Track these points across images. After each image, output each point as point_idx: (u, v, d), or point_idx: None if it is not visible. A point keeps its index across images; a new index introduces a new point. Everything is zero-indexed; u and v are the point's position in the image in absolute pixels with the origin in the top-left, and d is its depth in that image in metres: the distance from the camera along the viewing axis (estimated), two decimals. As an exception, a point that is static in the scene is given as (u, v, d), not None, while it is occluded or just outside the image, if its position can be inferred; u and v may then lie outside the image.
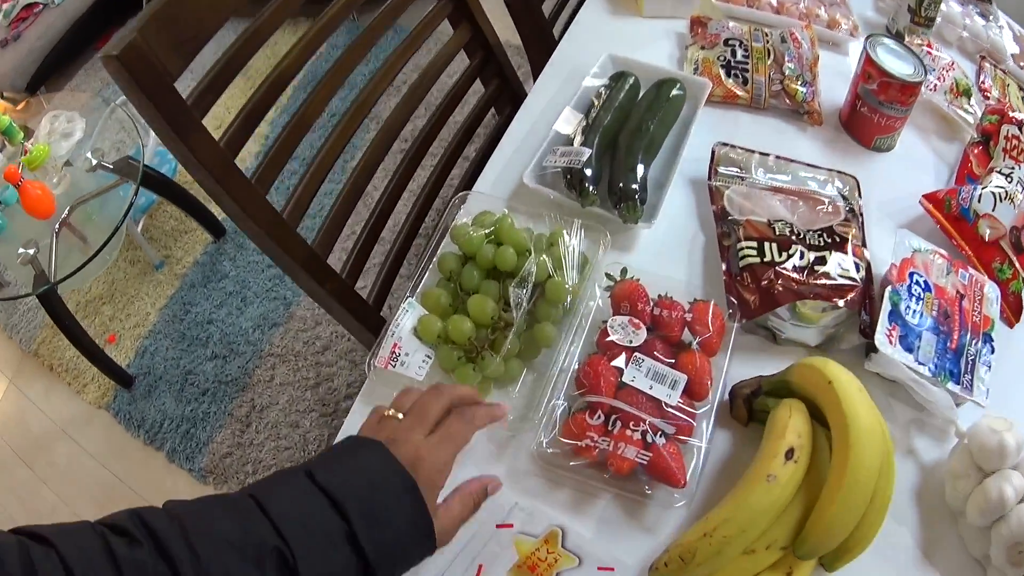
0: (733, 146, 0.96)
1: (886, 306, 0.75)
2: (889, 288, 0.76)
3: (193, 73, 0.79)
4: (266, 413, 1.89)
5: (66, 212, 1.75)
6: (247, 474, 1.80)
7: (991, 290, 0.82)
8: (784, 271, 0.79)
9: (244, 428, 1.87)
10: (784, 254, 0.80)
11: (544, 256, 0.81)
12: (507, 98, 1.32)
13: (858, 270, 0.80)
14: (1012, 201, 0.84)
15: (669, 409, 0.70)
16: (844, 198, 0.89)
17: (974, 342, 0.76)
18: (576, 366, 0.75)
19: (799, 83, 1.03)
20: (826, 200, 0.87)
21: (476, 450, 0.73)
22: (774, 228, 0.83)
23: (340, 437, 0.64)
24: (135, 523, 0.48)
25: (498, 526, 0.69)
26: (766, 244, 0.82)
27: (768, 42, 1.08)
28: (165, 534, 0.48)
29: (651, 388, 0.71)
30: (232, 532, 0.49)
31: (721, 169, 0.94)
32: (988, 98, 1.05)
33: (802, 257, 0.80)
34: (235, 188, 0.81)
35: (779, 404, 0.69)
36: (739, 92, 1.04)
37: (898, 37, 1.10)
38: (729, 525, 0.60)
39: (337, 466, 0.55)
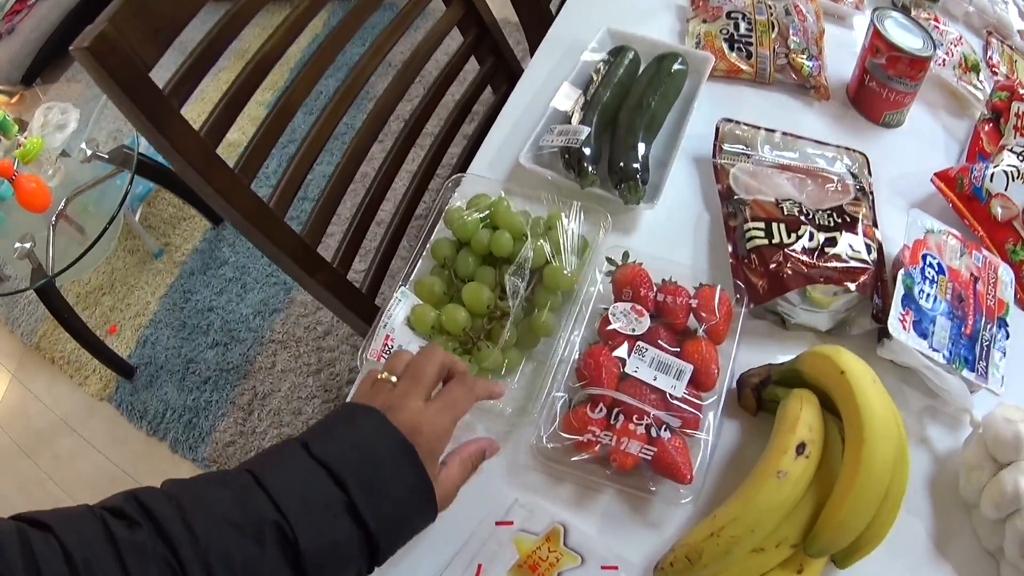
0: (738, 122, 0.92)
1: (899, 290, 0.72)
2: (902, 271, 0.73)
3: (176, 60, 0.76)
4: (268, 400, 1.88)
5: (62, 204, 1.73)
6: (251, 463, 1.79)
7: (1005, 272, 0.79)
8: (793, 253, 0.76)
9: (246, 416, 1.86)
10: (793, 235, 0.77)
11: (542, 240, 0.78)
12: (503, 76, 1.29)
13: (869, 251, 0.77)
14: (1025, 180, 0.81)
15: (674, 401, 0.68)
16: (853, 176, 0.86)
17: (988, 327, 0.74)
18: (577, 356, 0.72)
19: (805, 57, 0.99)
20: (835, 178, 0.84)
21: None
22: (782, 208, 0.80)
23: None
24: (133, 505, 0.48)
25: (497, 523, 0.67)
26: (774, 225, 0.79)
27: (772, 15, 1.04)
28: (163, 515, 0.47)
29: (655, 379, 0.69)
30: (230, 509, 0.49)
31: (726, 146, 0.90)
32: (996, 74, 1.03)
33: (811, 238, 0.77)
34: (217, 178, 0.79)
35: (789, 395, 0.66)
36: (743, 66, 1.00)
37: (904, 10, 1.06)
38: (737, 524, 0.57)
39: (334, 436, 0.54)
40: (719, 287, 0.74)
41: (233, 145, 2.15)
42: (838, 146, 0.90)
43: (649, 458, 0.65)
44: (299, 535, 0.48)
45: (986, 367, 0.71)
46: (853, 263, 0.75)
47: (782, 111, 0.99)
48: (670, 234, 0.86)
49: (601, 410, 0.67)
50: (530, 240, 0.77)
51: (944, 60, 1.00)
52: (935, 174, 0.87)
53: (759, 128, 0.91)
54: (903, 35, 0.90)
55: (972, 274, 0.76)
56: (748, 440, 0.71)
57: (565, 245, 0.78)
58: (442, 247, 0.80)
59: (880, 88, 0.93)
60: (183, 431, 1.86)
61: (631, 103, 0.92)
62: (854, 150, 0.89)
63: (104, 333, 2.06)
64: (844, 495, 0.57)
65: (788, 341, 0.77)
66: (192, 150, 0.76)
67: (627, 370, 0.69)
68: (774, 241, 0.77)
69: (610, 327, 0.72)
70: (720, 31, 1.03)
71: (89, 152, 1.76)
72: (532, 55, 1.13)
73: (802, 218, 0.79)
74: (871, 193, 0.85)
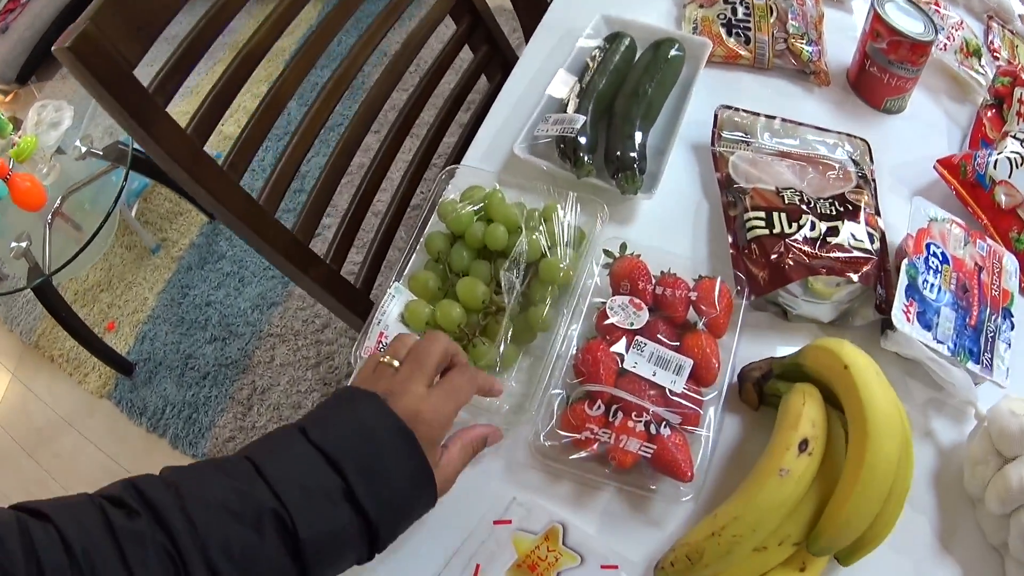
0: (737, 109, 0.90)
1: (903, 280, 0.70)
2: (906, 261, 0.71)
3: (166, 55, 0.74)
4: (267, 395, 1.87)
5: (58, 202, 1.72)
6: (251, 458, 1.79)
7: (1009, 262, 0.77)
8: (795, 243, 0.74)
9: (246, 411, 1.85)
10: (794, 224, 0.76)
11: (537, 233, 0.76)
12: (498, 64, 1.27)
13: (872, 241, 0.75)
14: (1029, 167, 0.80)
15: (674, 397, 0.66)
16: (855, 163, 0.84)
17: (993, 318, 0.72)
18: (574, 351, 0.71)
19: (804, 42, 0.97)
20: (836, 165, 0.82)
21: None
22: (783, 196, 0.78)
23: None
24: (131, 494, 0.48)
25: (495, 523, 0.66)
26: (775, 214, 0.77)
27: (770, -2, 1.02)
28: (162, 503, 0.47)
29: (654, 374, 0.67)
30: (229, 497, 0.48)
31: (725, 134, 0.88)
32: (998, 59, 1.01)
33: (813, 228, 0.75)
34: (205, 176, 0.77)
35: (792, 390, 0.64)
36: (741, 52, 0.99)
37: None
38: (739, 523, 0.56)
39: (333, 422, 0.54)
40: (719, 279, 0.72)
41: (229, 138, 2.13)
42: (839, 132, 0.88)
43: (649, 455, 0.63)
44: (298, 523, 0.48)
45: (991, 359, 0.70)
46: (856, 253, 0.73)
47: (782, 97, 0.97)
48: (668, 225, 0.85)
49: (599, 407, 0.66)
50: (525, 233, 0.76)
51: (945, 45, 0.98)
52: (938, 161, 0.85)
53: (758, 115, 0.90)
54: (904, 19, 0.89)
55: (976, 263, 0.75)
56: (750, 435, 0.70)
57: (561, 237, 0.76)
58: (436, 241, 0.79)
59: (881, 73, 0.91)
60: (183, 427, 1.85)
61: (627, 90, 0.90)
62: (855, 136, 0.88)
63: (103, 330, 2.05)
64: (847, 493, 0.56)
65: (790, 333, 0.75)
66: (178, 148, 0.75)
67: (626, 365, 0.68)
68: (775, 231, 0.76)
69: (608, 321, 0.70)
70: (718, 16, 1.01)
71: (84, 149, 1.74)
72: (527, 42, 1.11)
73: (803, 207, 0.77)
74: (873, 180, 0.84)
